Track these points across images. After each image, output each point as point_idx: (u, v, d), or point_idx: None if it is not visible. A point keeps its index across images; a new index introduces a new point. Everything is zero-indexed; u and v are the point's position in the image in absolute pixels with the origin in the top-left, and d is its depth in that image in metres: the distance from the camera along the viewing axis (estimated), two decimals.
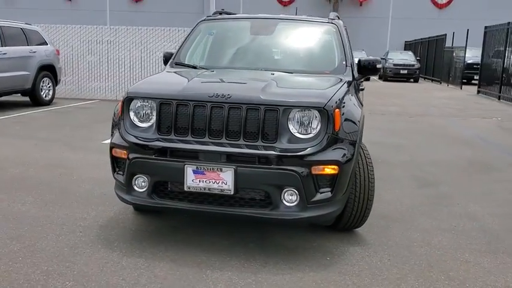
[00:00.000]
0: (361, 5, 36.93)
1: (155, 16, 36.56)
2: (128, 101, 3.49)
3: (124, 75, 12.67)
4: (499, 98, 15.95)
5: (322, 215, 3.25)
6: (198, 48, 4.66)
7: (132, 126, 3.46)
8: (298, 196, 3.16)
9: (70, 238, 3.54)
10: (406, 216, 4.25)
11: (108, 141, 6.15)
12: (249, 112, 3.19)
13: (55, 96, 11.43)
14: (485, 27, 18.65)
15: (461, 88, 20.80)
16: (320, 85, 3.76)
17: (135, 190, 3.41)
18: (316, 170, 3.15)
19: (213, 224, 3.87)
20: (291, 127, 3.21)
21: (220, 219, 3.89)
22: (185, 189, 3.23)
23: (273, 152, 3.13)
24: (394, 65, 25.52)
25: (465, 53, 22.58)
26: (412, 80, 25.76)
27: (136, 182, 3.40)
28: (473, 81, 22.69)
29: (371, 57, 4.52)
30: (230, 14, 5.11)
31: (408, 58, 26.45)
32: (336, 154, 3.21)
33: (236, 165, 3.14)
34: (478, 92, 18.24)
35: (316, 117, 3.21)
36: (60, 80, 11.60)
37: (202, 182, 3.19)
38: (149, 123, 3.44)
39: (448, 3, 36.46)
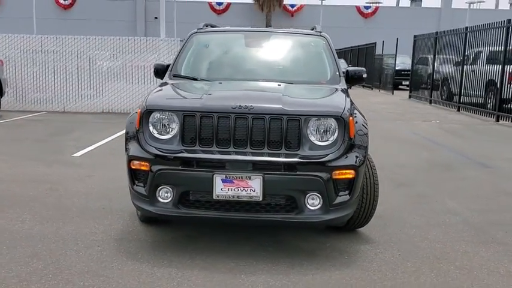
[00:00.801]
0: (292, 15, 38.03)
1: (84, 24, 35.53)
2: (147, 113, 3.54)
3: (71, 86, 12.28)
4: (430, 102, 17.12)
5: (341, 217, 3.49)
6: (194, 61, 4.75)
7: (153, 139, 3.52)
8: (321, 200, 3.37)
9: (91, 253, 3.52)
10: (397, 215, 4.59)
11: (79, 153, 6.04)
12: (272, 122, 3.37)
13: (0, 109, 10.91)
14: (415, 36, 19.94)
15: (392, 93, 22.00)
16: (328, 95, 4.00)
17: (159, 201, 3.47)
18: (336, 174, 3.39)
19: (227, 231, 3.98)
20: (310, 135, 3.42)
21: (236, 225, 4.01)
22: (214, 197, 3.34)
23: (299, 159, 3.33)
24: None
25: (395, 60, 23.97)
26: None
27: (160, 193, 3.46)
28: (400, 87, 24.14)
29: (357, 68, 4.83)
30: (214, 27, 5.25)
31: (341, 66, 27.49)
32: (352, 159, 3.46)
33: (263, 173, 3.30)
34: (410, 96, 19.42)
35: (333, 125, 3.45)
36: (5, 91, 11.08)
37: (231, 190, 3.32)
38: (169, 135, 3.51)
39: (373, 13, 38.46)
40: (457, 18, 36.99)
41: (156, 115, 3.54)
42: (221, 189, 3.32)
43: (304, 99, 3.85)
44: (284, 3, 36.94)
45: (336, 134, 3.44)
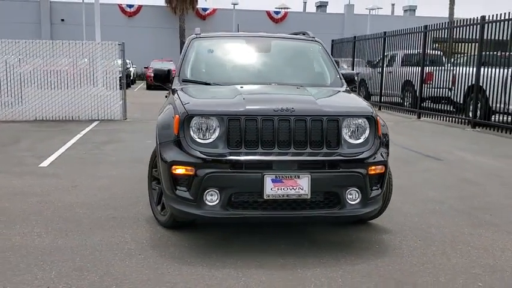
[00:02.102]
0: (204, 19, 38.08)
1: None
2: (188, 119, 3.57)
3: None
4: None
5: (375, 210, 3.78)
6: (200, 65, 4.79)
7: (195, 143, 3.56)
8: (360, 194, 3.63)
9: (137, 261, 3.47)
10: (392, 206, 4.93)
11: (45, 164, 5.81)
12: (313, 123, 3.57)
13: None
14: (333, 41, 21.02)
15: None
16: (349, 96, 4.28)
17: (206, 204, 3.51)
18: (371, 170, 3.67)
19: (254, 232, 4.09)
20: (345, 134, 3.67)
21: (262, 225, 4.14)
22: (264, 197, 3.46)
23: (341, 157, 3.56)
24: None
25: None
26: None
27: (207, 197, 3.50)
28: None
29: (349, 71, 5.17)
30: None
31: None
32: (382, 155, 3.77)
33: (310, 172, 3.49)
34: None
35: (365, 124, 3.72)
36: None
37: (281, 189, 3.46)
38: (211, 139, 3.57)
39: (283, 18, 39.65)
40: (358, 23, 39.35)
41: (197, 120, 3.58)
42: (271, 189, 3.45)
43: (335, 100, 4.08)
44: (197, 6, 36.89)
45: (367, 133, 3.72)
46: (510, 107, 10.80)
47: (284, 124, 3.54)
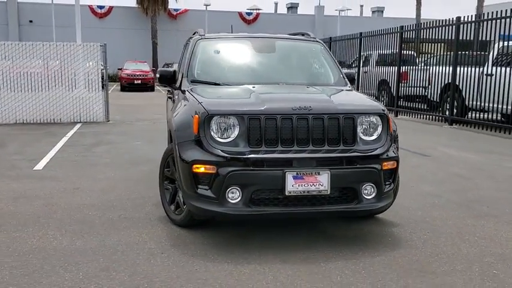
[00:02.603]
0: (175, 18, 37.90)
1: None
2: (208, 118, 3.63)
3: None
4: None
5: (388, 204, 3.92)
6: (208, 66, 4.84)
7: (215, 142, 3.62)
8: (376, 189, 3.76)
9: (162, 260, 3.50)
10: (395, 201, 5.12)
11: (39, 167, 5.72)
12: (330, 121, 3.68)
13: None
14: None
15: None
16: (358, 95, 4.41)
17: (229, 202, 3.57)
18: (385, 165, 3.80)
19: (269, 228, 4.17)
20: (359, 131, 3.79)
21: (278, 222, 4.23)
22: (286, 194, 3.55)
23: (358, 154, 3.68)
24: None
25: None
26: None
27: (229, 194, 3.57)
28: None
29: (349, 71, 5.31)
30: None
31: None
32: (394, 151, 3.91)
33: (330, 168, 3.60)
34: None
35: (378, 121, 3.86)
36: None
37: (301, 186, 3.56)
38: (230, 138, 3.64)
39: (255, 19, 39.85)
40: (329, 24, 39.92)
41: (217, 119, 3.64)
42: (292, 185, 3.54)
43: (347, 99, 4.20)
44: (169, 7, 36.68)
45: (379, 130, 3.86)
46: (485, 104, 11.22)
47: (302, 122, 3.64)
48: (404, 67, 14.26)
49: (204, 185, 3.63)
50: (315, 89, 4.32)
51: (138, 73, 26.21)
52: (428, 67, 13.36)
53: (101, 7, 35.63)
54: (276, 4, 46.64)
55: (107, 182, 5.79)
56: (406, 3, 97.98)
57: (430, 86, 13.35)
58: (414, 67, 13.94)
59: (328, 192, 3.60)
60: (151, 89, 26.37)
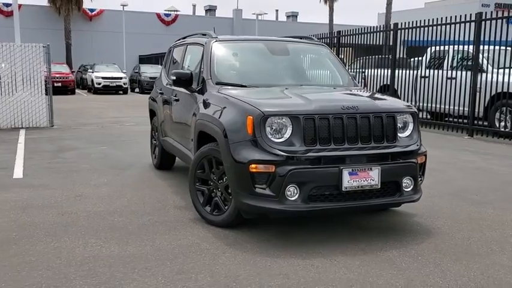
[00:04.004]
0: (91, 19, 36.47)
1: None
2: (264, 119, 3.72)
3: None
4: None
5: (420, 195, 4.24)
6: (229, 68, 4.88)
7: (271, 142, 3.72)
8: (413, 182, 4.07)
9: (230, 259, 3.51)
10: None
11: (17, 176, 6.05)
12: (375, 119, 3.93)
13: None
14: None
15: None
16: (380, 95, 4.70)
17: (288, 199, 3.68)
18: (420, 160, 4.13)
19: (307, 224, 4.33)
20: (397, 129, 4.09)
21: (313, 217, 4.40)
22: (342, 190, 3.73)
23: (401, 149, 3.97)
24: (150, 78, 26.51)
25: None
26: None
27: (288, 192, 3.68)
28: None
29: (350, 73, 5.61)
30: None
31: (159, 71, 27.83)
32: (423, 147, 4.25)
33: (380, 164, 3.84)
34: None
35: (410, 119, 4.17)
36: None
37: (356, 181, 3.77)
38: (283, 138, 3.76)
39: (173, 21, 39.45)
40: (247, 27, 40.59)
41: (271, 120, 3.74)
42: (348, 181, 3.74)
43: (379, 99, 4.47)
44: (84, 7, 35.13)
45: (411, 127, 4.18)
46: (419, 104, 12.17)
47: (351, 121, 3.85)
48: None
49: (261, 184, 3.70)
50: (344, 89, 4.55)
51: (57, 75, 24.82)
52: (364, 70, 14.18)
53: (7, 5, 33.23)
54: (194, 6, 46.61)
55: (106, 188, 5.59)
56: (318, 10, 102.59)
57: (366, 88, 14.19)
58: (350, 70, 14.71)
59: (379, 187, 3.84)
60: (72, 92, 25.18)
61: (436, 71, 11.74)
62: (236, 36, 5.45)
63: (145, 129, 10.96)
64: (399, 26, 12.53)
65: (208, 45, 4.95)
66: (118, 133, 10.46)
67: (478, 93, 10.54)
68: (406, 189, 4.04)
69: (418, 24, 11.87)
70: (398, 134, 4.09)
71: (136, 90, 28.41)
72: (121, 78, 25.89)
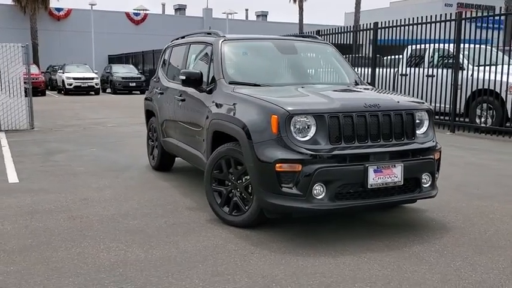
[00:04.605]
0: (59, 19, 35.63)
1: None
2: (289, 118, 3.71)
3: None
4: None
5: (437, 191, 4.31)
6: (241, 67, 4.83)
7: (296, 141, 3.71)
8: (431, 178, 4.13)
9: (260, 259, 3.48)
10: None
11: (13, 180, 5.95)
12: (395, 117, 3.97)
13: None
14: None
15: None
16: (393, 93, 4.74)
17: (315, 198, 3.68)
18: (436, 156, 4.20)
19: (329, 222, 4.34)
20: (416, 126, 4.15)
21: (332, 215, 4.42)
22: (368, 187, 3.76)
23: (421, 146, 4.03)
24: (123, 78, 26.11)
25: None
26: (139, 92, 26.86)
27: (315, 191, 3.68)
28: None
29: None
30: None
31: (132, 71, 27.48)
32: (438, 144, 4.32)
33: (402, 161, 3.89)
34: None
35: (425, 116, 4.23)
36: None
37: (380, 178, 3.80)
38: (307, 137, 3.76)
39: (143, 20, 38.94)
40: (217, 26, 40.28)
41: (296, 119, 3.73)
42: (373, 178, 3.77)
43: (396, 96, 4.51)
44: (50, 6, 34.24)
45: (427, 124, 4.24)
46: None
47: (374, 119, 3.88)
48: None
49: (288, 183, 3.69)
50: (357, 87, 4.58)
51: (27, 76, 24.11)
52: None
53: None
54: (164, 5, 46.02)
55: (110, 191, 5.47)
56: (288, 9, 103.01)
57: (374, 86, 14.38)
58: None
59: (402, 183, 3.89)
60: (43, 93, 24.47)
61: (415, 69, 11.99)
62: (242, 35, 5.40)
63: (131, 131, 10.85)
64: (379, 26, 12.72)
65: (217, 45, 4.89)
66: (103, 135, 10.24)
67: (459, 90, 10.82)
68: (424, 186, 4.10)
69: (398, 23, 12.08)
70: (417, 131, 4.15)
71: (108, 90, 27.92)
72: (93, 78, 25.34)
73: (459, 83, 10.81)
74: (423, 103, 4.32)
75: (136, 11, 38.90)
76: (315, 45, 5.50)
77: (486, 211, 4.79)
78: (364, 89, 4.76)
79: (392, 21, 12.34)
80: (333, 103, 3.87)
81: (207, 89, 4.75)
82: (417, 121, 4.15)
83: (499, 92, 10.20)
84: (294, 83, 4.66)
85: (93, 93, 25.51)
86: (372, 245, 3.82)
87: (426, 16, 11.48)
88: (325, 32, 14.84)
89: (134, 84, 26.22)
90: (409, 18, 11.97)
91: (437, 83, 11.05)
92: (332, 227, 4.24)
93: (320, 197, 3.70)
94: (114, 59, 34.98)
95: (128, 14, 38.08)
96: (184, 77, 4.78)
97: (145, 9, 39.63)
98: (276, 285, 3.11)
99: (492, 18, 10.70)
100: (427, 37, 11.34)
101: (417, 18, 11.73)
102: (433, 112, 4.32)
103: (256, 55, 5.14)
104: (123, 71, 26.98)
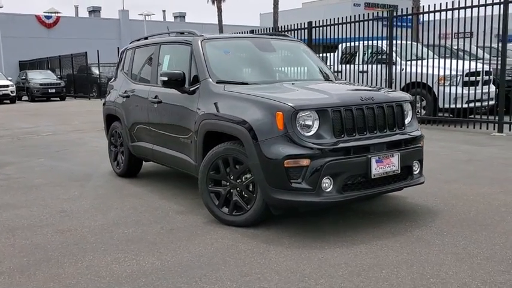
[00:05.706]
0: None
1: None
2: (294, 114, 3.74)
3: None
4: None
5: (424, 178, 4.52)
6: (225, 66, 4.76)
7: (302, 136, 3.76)
8: (419, 165, 4.35)
9: (280, 258, 3.47)
10: None
11: None
12: (388, 109, 4.14)
13: None
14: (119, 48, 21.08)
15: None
16: (378, 87, 4.90)
17: (323, 191, 3.75)
18: (421, 145, 4.44)
19: (328, 214, 4.42)
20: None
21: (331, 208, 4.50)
22: (371, 177, 3.89)
23: (411, 136, 4.24)
24: (41, 84, 24.71)
25: (99, 70, 24.78)
26: (58, 98, 25.54)
27: (324, 184, 3.75)
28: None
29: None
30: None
31: (50, 77, 26.11)
32: (421, 133, 4.56)
33: (398, 150, 4.06)
34: None
35: (409, 107, 4.45)
36: None
37: (381, 168, 3.95)
38: (311, 132, 3.82)
39: (55, 23, 37.05)
40: (135, 28, 39.42)
41: (300, 114, 3.77)
42: (375, 169, 3.90)
43: (382, 89, 4.67)
44: None
45: (411, 114, 4.46)
46: None
47: (370, 111, 4.02)
48: None
49: (297, 178, 3.72)
50: (342, 81, 4.71)
51: None
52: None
53: None
54: (77, 8, 43.96)
55: (85, 201, 5.17)
56: (206, 10, 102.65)
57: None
58: None
59: (399, 172, 4.06)
60: None
61: (348, 66, 12.50)
62: (220, 34, 5.34)
63: (70, 139, 10.30)
64: (313, 25, 13.08)
65: (197, 44, 4.80)
66: (42, 144, 9.65)
67: (393, 84, 11.43)
68: (415, 173, 4.31)
69: (331, 22, 12.50)
70: (404, 122, 4.35)
71: (25, 98, 26.25)
72: (7, 86, 23.67)
73: (393, 77, 11.44)
74: (408, 95, 4.54)
75: (47, 14, 36.88)
76: (289, 43, 5.57)
77: (459, 193, 5.11)
78: (347, 83, 4.91)
79: (326, 20, 12.75)
80: (333, 98, 3.95)
81: (190, 90, 4.64)
82: (405, 112, 4.35)
83: (430, 85, 10.92)
84: (279, 80, 4.71)
85: (8, 101, 23.86)
86: (376, 232, 3.96)
87: (360, 15, 11.99)
88: (261, 33, 15.01)
89: (54, 90, 24.88)
90: (342, 18, 12.42)
91: (371, 78, 11.60)
92: (331, 219, 4.33)
93: (328, 190, 3.77)
94: (26, 65, 32.92)
95: (38, 17, 35.99)
96: (166, 78, 4.64)
97: (57, 12, 37.70)
98: (309, 279, 3.12)
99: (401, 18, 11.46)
100: (358, 35, 11.85)
101: (349, 17, 12.21)
102: (415, 103, 4.55)
103: (238, 53, 5.11)
104: (40, 77, 25.49)
